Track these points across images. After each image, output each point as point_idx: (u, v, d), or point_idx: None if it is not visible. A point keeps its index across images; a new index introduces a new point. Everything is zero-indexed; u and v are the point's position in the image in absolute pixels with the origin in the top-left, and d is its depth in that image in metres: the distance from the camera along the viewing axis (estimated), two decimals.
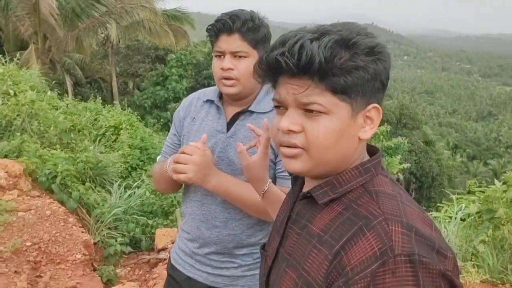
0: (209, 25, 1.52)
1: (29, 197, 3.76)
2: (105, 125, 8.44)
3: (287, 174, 1.47)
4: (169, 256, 1.78)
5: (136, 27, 17.33)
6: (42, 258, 3.15)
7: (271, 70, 0.82)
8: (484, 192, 3.54)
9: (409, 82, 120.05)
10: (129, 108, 11.17)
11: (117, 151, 7.23)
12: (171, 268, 1.73)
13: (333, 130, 0.80)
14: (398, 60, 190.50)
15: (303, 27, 0.84)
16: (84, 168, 4.81)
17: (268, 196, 1.24)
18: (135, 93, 24.94)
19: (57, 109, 7.11)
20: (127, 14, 15.82)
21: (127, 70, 24.78)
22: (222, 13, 1.51)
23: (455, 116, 78.62)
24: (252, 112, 1.57)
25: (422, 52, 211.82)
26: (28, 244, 3.18)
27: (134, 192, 5.23)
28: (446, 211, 6.64)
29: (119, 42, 16.43)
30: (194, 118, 1.64)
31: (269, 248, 0.99)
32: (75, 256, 3.27)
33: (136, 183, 5.64)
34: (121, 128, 8.53)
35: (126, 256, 4.37)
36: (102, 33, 17.82)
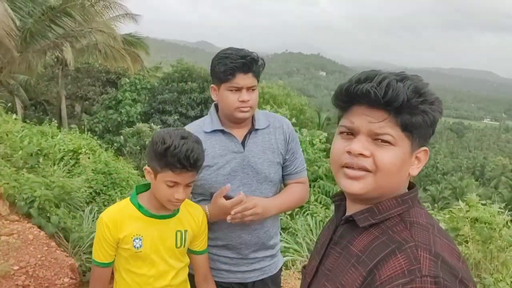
0: (226, 64, 1.79)
1: (8, 221, 3.69)
2: (64, 149, 8.25)
3: (301, 167, 1.98)
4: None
5: (92, 51, 17.08)
6: (30, 282, 3.11)
7: (351, 100, 0.95)
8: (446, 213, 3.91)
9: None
10: (89, 133, 10.94)
11: (79, 176, 7.09)
12: None
13: (398, 159, 0.92)
14: None
15: (379, 70, 0.97)
16: (60, 193, 4.74)
17: None
18: (83, 116, 24.29)
19: (18, 133, 6.93)
20: (84, 37, 15.60)
21: (75, 93, 24.15)
22: (231, 52, 1.81)
23: None
24: (257, 129, 1.92)
25: None
26: (16, 268, 3.13)
27: None
28: None
29: (73, 65, 16.08)
30: (205, 149, 1.79)
31: (309, 267, 1.12)
32: (63, 280, 3.26)
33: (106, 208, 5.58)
34: (81, 153, 8.36)
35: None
36: (52, 54, 17.38)
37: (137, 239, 1.66)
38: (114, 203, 5.89)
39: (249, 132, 1.90)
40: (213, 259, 1.94)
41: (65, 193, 5.32)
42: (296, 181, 2.01)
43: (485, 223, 3.56)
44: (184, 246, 1.76)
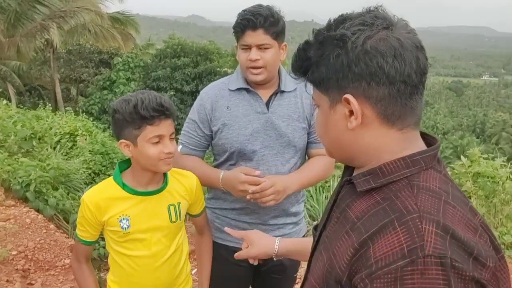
0: (236, 23, 1.75)
1: (4, 207, 3.64)
2: (60, 132, 8.17)
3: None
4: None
5: (81, 31, 16.76)
6: (30, 265, 3.08)
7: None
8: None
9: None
10: (84, 114, 10.84)
11: (77, 158, 7.04)
12: (226, 251, 1.88)
13: (321, 120, 0.90)
14: None
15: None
16: (56, 175, 4.69)
17: (284, 253, 1.38)
18: (80, 99, 24.10)
19: (11, 118, 6.83)
20: (71, 17, 15.26)
21: (69, 76, 23.89)
22: (244, 11, 1.75)
23: None
24: (283, 91, 1.83)
25: None
26: (14, 253, 3.10)
27: None
28: None
29: (60, 47, 15.79)
30: (228, 106, 1.82)
31: (318, 230, 1.02)
32: (64, 262, 3.23)
33: None
34: (77, 135, 8.29)
35: (106, 260, 4.32)
36: (42, 38, 17.08)
37: (123, 219, 1.56)
38: None
39: (275, 93, 1.83)
40: (231, 225, 1.86)
41: (63, 175, 5.27)
42: (320, 152, 1.87)
43: (487, 177, 3.51)
44: (180, 220, 1.66)
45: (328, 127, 0.87)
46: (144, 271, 1.63)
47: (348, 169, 0.97)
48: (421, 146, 0.85)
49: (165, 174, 1.64)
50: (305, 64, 0.85)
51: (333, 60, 0.80)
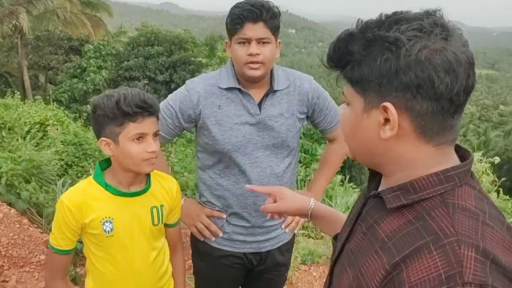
0: (233, 14, 1.63)
1: None
2: (29, 121, 7.91)
3: (335, 122, 1.88)
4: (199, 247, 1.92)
5: (49, 17, 16.20)
6: (4, 262, 2.97)
7: None
8: None
9: (325, 67, 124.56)
10: (54, 103, 10.51)
11: (48, 149, 6.84)
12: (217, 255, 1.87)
13: (350, 120, 0.84)
14: (314, 46, 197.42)
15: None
16: (28, 167, 4.53)
17: (317, 215, 1.27)
18: (48, 87, 23.37)
19: None
20: (40, 2, 14.71)
21: (37, 63, 23.09)
22: (242, 2, 1.64)
23: None
24: (275, 91, 1.75)
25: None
26: None
27: None
28: None
29: (29, 32, 15.22)
30: (219, 105, 1.73)
31: (339, 241, 0.98)
32: (39, 258, 3.13)
33: (80, 180, 5.41)
34: (48, 125, 8.04)
35: (81, 255, 4.22)
36: (10, 23, 16.42)
37: (107, 222, 1.47)
38: (88, 174, 5.75)
39: (267, 94, 1.75)
40: (226, 231, 1.84)
41: (35, 167, 5.10)
42: (333, 137, 1.95)
43: None
44: (161, 223, 1.60)
45: (357, 130, 0.82)
46: (127, 276, 1.55)
47: (374, 179, 0.92)
48: (455, 160, 0.80)
49: (148, 175, 1.57)
50: (345, 57, 0.78)
51: (380, 63, 0.74)
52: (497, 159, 4.32)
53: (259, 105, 1.74)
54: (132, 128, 1.41)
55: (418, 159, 0.78)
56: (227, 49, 1.75)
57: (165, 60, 24.07)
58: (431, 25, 0.73)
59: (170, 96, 1.81)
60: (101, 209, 1.48)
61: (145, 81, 23.51)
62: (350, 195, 4.85)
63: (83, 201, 1.47)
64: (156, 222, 1.57)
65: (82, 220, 1.47)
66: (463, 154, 0.82)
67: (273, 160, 1.78)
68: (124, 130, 1.41)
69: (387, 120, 0.76)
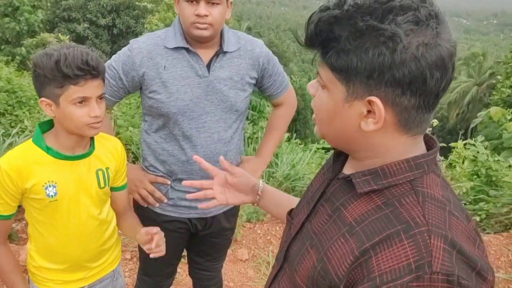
0: None
1: None
2: None
3: (282, 87, 1.86)
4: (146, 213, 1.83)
5: None
6: None
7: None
8: None
9: (274, 19, 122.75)
10: None
11: None
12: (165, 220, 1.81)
13: (325, 105, 0.79)
14: None
15: None
16: None
17: (265, 199, 1.24)
18: None
19: None
20: None
21: None
22: None
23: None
24: (225, 52, 1.67)
25: None
26: None
27: (16, 141, 4.71)
28: (324, 141, 7.34)
29: None
30: (165, 66, 1.63)
31: (296, 218, 0.97)
32: None
33: (15, 130, 5.07)
34: None
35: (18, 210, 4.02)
36: None
37: (50, 186, 1.39)
38: (22, 124, 5.40)
39: (216, 55, 1.66)
40: (171, 197, 1.78)
41: None
42: (280, 101, 1.92)
43: None
44: (108, 185, 1.53)
45: (335, 117, 0.78)
46: (72, 241, 1.48)
47: (338, 160, 0.92)
48: (423, 148, 0.81)
49: (91, 137, 1.48)
50: (328, 42, 0.72)
51: (373, 56, 0.69)
52: (435, 121, 4.55)
53: (208, 66, 1.66)
54: (73, 91, 1.30)
55: (394, 147, 0.78)
56: (176, 5, 1.66)
57: (108, 3, 22.79)
58: (427, 16, 0.69)
59: (113, 56, 1.71)
60: (43, 174, 1.39)
61: (86, 24, 22.20)
62: (296, 153, 4.91)
63: (23, 165, 1.37)
64: (102, 185, 1.51)
65: (23, 185, 1.38)
66: (428, 141, 0.83)
67: (221, 126, 1.71)
68: (65, 92, 1.31)
69: (369, 112, 0.74)
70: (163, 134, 1.72)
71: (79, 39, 22.21)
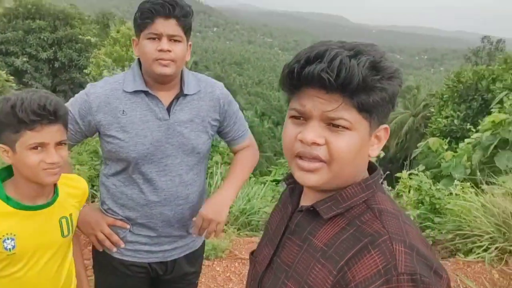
0: (143, 8, 1.54)
1: None
2: None
3: (242, 130, 1.85)
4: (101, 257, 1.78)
5: None
6: None
7: (301, 83, 0.82)
8: None
9: (219, 53, 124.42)
10: None
11: None
12: (120, 266, 1.74)
13: (355, 145, 0.82)
14: (209, 31, 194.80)
15: (329, 40, 0.85)
16: None
17: None
18: None
19: None
20: None
21: None
22: None
23: (261, 86, 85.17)
24: (186, 95, 1.67)
25: (230, 24, 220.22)
26: None
27: None
28: (275, 174, 7.43)
29: None
30: (123, 111, 1.60)
31: (260, 255, 1.00)
32: None
33: None
34: None
35: None
36: None
37: (8, 239, 1.32)
38: None
39: (177, 97, 1.64)
40: (130, 240, 1.71)
41: None
42: (242, 147, 1.87)
43: None
44: (71, 233, 1.48)
45: (359, 154, 0.84)
46: None
47: (294, 195, 0.99)
48: (366, 171, 0.91)
49: (55, 184, 1.42)
50: (360, 85, 0.79)
51: (391, 91, 0.82)
52: (381, 153, 4.80)
53: (168, 109, 1.64)
54: (29, 137, 1.26)
55: (360, 172, 0.88)
56: (134, 47, 1.64)
57: (48, 36, 22.18)
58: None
59: (71, 99, 1.68)
60: (1, 225, 1.32)
61: (25, 58, 21.38)
62: (251, 187, 4.94)
63: None
64: (66, 233, 1.46)
65: None
66: (370, 166, 0.93)
67: (182, 168, 1.68)
68: (20, 138, 1.26)
69: (375, 138, 0.86)
70: (122, 178, 1.68)
71: (18, 73, 21.33)
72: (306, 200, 0.93)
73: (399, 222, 0.82)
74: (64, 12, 24.00)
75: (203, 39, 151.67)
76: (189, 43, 1.64)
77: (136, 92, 1.61)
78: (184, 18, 1.56)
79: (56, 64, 23.16)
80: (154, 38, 1.54)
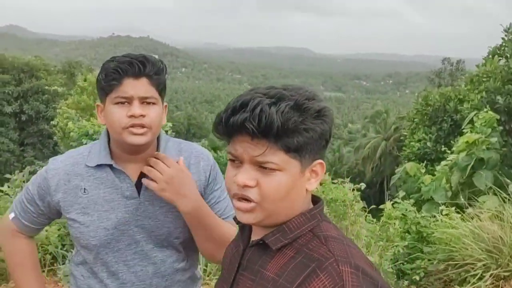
0: (108, 68, 1.30)
1: None
2: None
3: (227, 212, 1.46)
4: None
5: None
6: None
7: (230, 131, 0.88)
8: None
9: (189, 93, 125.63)
10: None
11: None
12: None
13: (286, 185, 0.88)
14: (177, 72, 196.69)
15: (258, 87, 0.93)
16: None
17: None
18: None
19: None
20: None
21: None
22: (117, 56, 1.33)
23: None
24: None
25: (198, 64, 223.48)
26: None
27: None
28: None
29: None
30: (85, 189, 1.38)
31: None
32: None
33: None
34: None
35: None
36: None
37: None
38: None
39: None
40: None
41: None
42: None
43: (339, 201, 3.83)
44: None
45: (292, 191, 0.89)
46: None
47: (244, 232, 1.03)
48: (310, 201, 0.97)
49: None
50: (283, 130, 0.84)
51: (319, 129, 0.88)
52: (363, 185, 4.78)
53: (138, 185, 1.38)
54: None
55: (304, 203, 0.94)
56: (99, 115, 1.40)
57: (13, 90, 21.77)
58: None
59: (32, 177, 1.48)
60: None
61: None
62: None
63: None
64: None
65: None
66: (313, 198, 0.99)
67: (157, 256, 1.39)
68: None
69: (311, 173, 0.92)
70: (88, 267, 1.43)
71: None
72: (256, 235, 0.97)
73: (344, 246, 0.88)
74: (29, 64, 23.75)
75: (172, 80, 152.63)
76: (165, 104, 1.41)
77: (99, 166, 1.38)
78: (157, 76, 1.33)
79: (23, 117, 22.66)
80: (123, 103, 1.30)
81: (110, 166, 1.37)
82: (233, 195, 0.92)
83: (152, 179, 1.33)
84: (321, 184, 4.18)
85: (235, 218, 1.02)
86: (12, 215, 1.47)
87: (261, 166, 0.87)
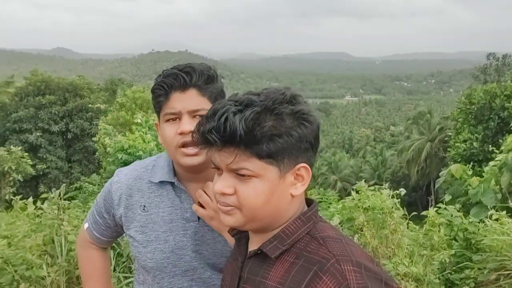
0: (155, 84, 1.24)
1: None
2: None
3: None
4: None
5: None
6: None
7: (205, 140, 0.88)
8: None
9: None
10: None
11: None
12: None
13: (263, 191, 0.87)
14: None
15: (235, 94, 0.93)
16: None
17: None
18: None
19: None
20: None
21: None
22: (166, 69, 1.24)
23: None
24: None
25: (236, 74, 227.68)
26: None
27: None
28: None
29: None
30: (144, 206, 1.31)
31: None
32: None
33: None
34: None
35: None
36: None
37: None
38: None
39: None
40: None
41: None
42: None
43: (376, 209, 3.65)
44: None
45: (272, 196, 0.88)
46: None
47: (240, 244, 1.02)
48: (304, 204, 0.96)
49: None
50: (254, 136, 0.83)
51: (296, 133, 0.86)
52: (403, 191, 4.51)
53: None
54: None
55: (294, 207, 0.93)
56: (158, 133, 1.32)
57: (59, 109, 22.75)
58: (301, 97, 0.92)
59: (102, 190, 1.45)
60: None
61: (38, 133, 21.83)
62: None
63: None
64: None
65: None
66: (307, 200, 0.98)
67: (216, 284, 1.30)
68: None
69: (296, 178, 0.90)
70: None
71: (32, 148, 21.75)
72: (253, 245, 0.97)
73: (343, 244, 0.87)
74: (73, 84, 24.72)
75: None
76: None
77: (162, 183, 1.31)
78: (208, 85, 1.22)
79: (69, 135, 23.61)
80: (173, 119, 1.21)
81: (172, 183, 1.31)
82: (216, 200, 0.94)
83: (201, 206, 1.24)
84: (357, 192, 3.99)
85: (229, 230, 1.05)
86: (86, 225, 1.47)
87: (238, 174, 0.87)
